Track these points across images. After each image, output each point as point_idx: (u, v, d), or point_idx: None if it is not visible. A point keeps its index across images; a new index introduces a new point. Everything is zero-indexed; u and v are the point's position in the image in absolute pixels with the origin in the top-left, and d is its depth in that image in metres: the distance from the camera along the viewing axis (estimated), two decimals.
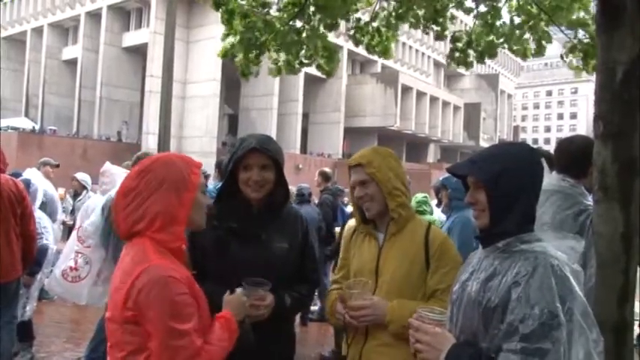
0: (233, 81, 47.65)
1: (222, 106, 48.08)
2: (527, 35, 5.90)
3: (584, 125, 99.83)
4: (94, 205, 5.32)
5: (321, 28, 5.52)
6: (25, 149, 32.90)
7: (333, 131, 54.10)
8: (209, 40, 38.35)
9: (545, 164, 2.47)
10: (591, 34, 5.55)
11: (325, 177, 7.61)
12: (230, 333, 1.84)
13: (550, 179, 2.55)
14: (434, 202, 6.07)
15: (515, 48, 6.03)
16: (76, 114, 47.55)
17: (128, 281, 1.66)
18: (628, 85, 2.22)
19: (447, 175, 5.03)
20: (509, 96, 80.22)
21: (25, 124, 42.73)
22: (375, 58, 45.11)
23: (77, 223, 5.08)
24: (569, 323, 1.45)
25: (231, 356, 1.85)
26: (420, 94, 57.93)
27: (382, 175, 2.32)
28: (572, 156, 2.78)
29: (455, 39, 6.11)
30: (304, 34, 5.55)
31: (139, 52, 46.52)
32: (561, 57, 6.10)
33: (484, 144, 64.23)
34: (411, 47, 62.29)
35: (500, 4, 5.77)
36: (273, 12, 5.58)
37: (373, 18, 5.95)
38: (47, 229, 5.08)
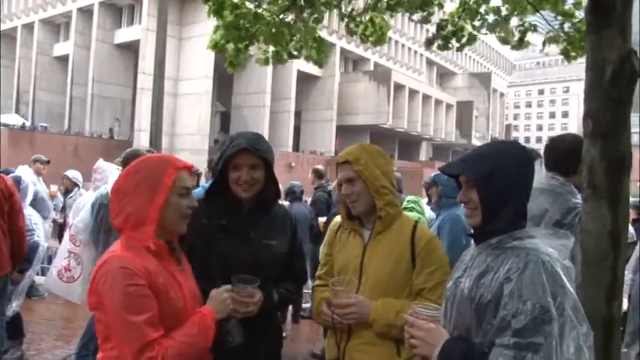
0: (225, 78, 47.58)
1: (215, 104, 47.99)
2: (514, 25, 5.93)
3: (575, 124, 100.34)
4: (84, 202, 5.31)
5: (311, 22, 5.52)
6: (15, 146, 32.75)
7: (326, 129, 54.14)
8: (201, 37, 38.24)
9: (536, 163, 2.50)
10: (576, 26, 5.58)
11: (319, 175, 7.60)
12: (202, 329, 1.81)
13: (539, 177, 2.57)
14: (424, 199, 6.08)
15: (501, 35, 6.05)
16: (68, 111, 47.34)
17: (94, 271, 1.76)
18: (617, 84, 2.24)
19: (438, 172, 5.09)
20: (502, 94, 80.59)
21: (16, 120, 42.47)
22: (367, 56, 45.04)
23: (69, 221, 5.07)
24: (561, 318, 1.46)
25: (218, 353, 1.86)
26: (413, 93, 58.08)
27: (369, 172, 2.30)
28: (562, 154, 2.80)
29: (440, 27, 6.12)
30: (294, 27, 5.55)
31: (131, 48, 46.34)
32: (543, 44, 6.12)
33: (476, 142, 64.52)
34: (403, 45, 62.41)
35: None
36: (264, 5, 5.57)
37: (366, 9, 5.95)
38: (38, 226, 5.05)
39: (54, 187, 10.56)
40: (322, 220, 6.62)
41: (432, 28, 6.38)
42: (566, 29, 5.80)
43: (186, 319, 1.81)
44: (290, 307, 7.07)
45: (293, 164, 44.34)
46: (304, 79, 51.95)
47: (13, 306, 4.85)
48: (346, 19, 5.94)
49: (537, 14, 5.74)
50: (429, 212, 5.89)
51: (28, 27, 52.30)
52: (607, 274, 2.24)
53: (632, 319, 4.16)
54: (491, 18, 5.89)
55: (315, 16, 5.56)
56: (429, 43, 6.50)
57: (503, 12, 5.83)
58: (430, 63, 67.61)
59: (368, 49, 55.70)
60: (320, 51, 5.90)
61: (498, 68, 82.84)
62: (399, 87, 55.60)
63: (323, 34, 6.05)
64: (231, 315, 1.96)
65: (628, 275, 3.97)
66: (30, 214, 4.96)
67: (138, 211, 1.80)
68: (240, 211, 2.33)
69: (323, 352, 5.97)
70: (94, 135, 43.48)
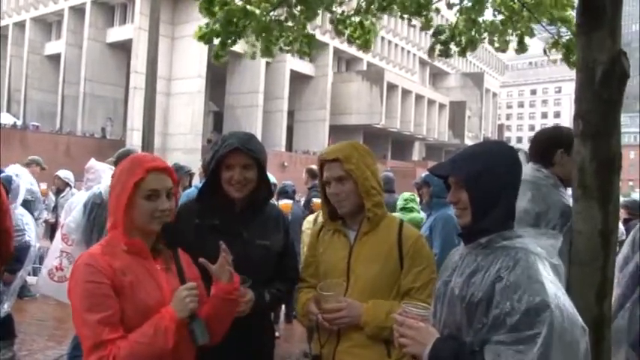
0: (218, 78, 47.46)
1: (208, 103, 47.84)
2: (509, 31, 5.95)
3: (567, 124, 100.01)
4: (77, 201, 5.29)
5: (302, 20, 5.51)
6: (6, 145, 32.44)
7: (319, 129, 54.12)
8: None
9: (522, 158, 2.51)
10: (573, 31, 5.61)
11: (312, 174, 7.59)
12: (159, 329, 1.72)
13: (525, 169, 2.58)
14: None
15: (497, 45, 6.07)
16: (60, 110, 47.05)
17: None
18: (607, 85, 2.26)
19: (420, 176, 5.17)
20: (494, 94, 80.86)
21: (7, 119, 42.15)
22: (360, 55, 44.97)
23: (61, 220, 5.04)
24: (556, 307, 1.47)
25: (210, 353, 1.86)
26: (406, 92, 58.17)
27: (360, 172, 2.26)
28: (540, 144, 2.81)
29: (437, 32, 6.14)
30: (285, 25, 5.55)
31: (124, 48, 46.13)
32: (544, 52, 6.15)
33: (469, 142, 64.67)
34: (396, 45, 62.46)
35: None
36: (254, 2, 5.57)
37: (357, 11, 5.95)
38: (29, 227, 5.03)
39: (43, 186, 10.49)
40: (317, 200, 6.57)
41: (428, 31, 6.36)
42: (562, 34, 5.83)
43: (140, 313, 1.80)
44: (283, 307, 7.07)
45: (286, 164, 44.29)
46: (297, 78, 51.89)
47: (5, 307, 4.83)
48: (335, 21, 5.94)
49: (533, 20, 5.77)
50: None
51: (20, 25, 51.93)
52: (597, 273, 2.25)
53: (618, 317, 4.19)
54: (487, 28, 5.92)
55: (306, 14, 5.55)
56: (431, 51, 6.50)
57: (499, 19, 5.86)
58: (423, 63, 67.68)
59: (361, 48, 55.65)
60: (310, 45, 5.90)
61: (491, 68, 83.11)
62: (392, 87, 55.66)
63: (316, 34, 6.05)
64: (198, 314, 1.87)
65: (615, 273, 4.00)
66: (22, 214, 4.94)
67: (112, 212, 1.86)
68: (233, 211, 2.33)
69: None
70: (86, 134, 43.23)
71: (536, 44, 6.38)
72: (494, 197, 1.65)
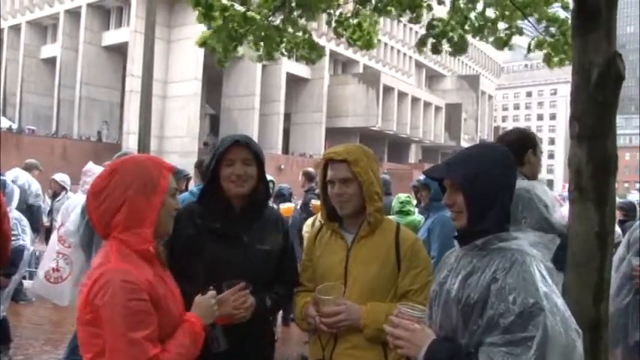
0: (214, 81, 47.45)
1: (204, 106, 47.84)
2: (502, 29, 5.98)
3: (563, 126, 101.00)
4: (74, 204, 5.27)
5: (302, 21, 5.53)
6: (2, 149, 32.36)
7: (315, 131, 54.13)
8: (190, 39, 37.83)
9: None
10: (562, 30, 5.63)
11: (309, 177, 7.58)
12: (193, 337, 1.78)
13: None
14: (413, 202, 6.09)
15: (491, 39, 6.09)
16: (55, 113, 46.94)
17: (89, 283, 1.66)
18: (602, 87, 2.26)
19: (418, 178, 5.18)
20: (490, 97, 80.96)
21: (3, 123, 42.01)
22: (356, 58, 44.99)
23: (58, 223, 5.03)
24: (550, 310, 1.48)
25: (211, 358, 1.85)
26: (402, 95, 58.24)
27: (367, 176, 2.27)
28: (513, 146, 2.88)
29: (430, 26, 6.14)
30: (284, 29, 5.56)
31: (120, 51, 46.06)
32: (528, 49, 6.18)
33: (465, 144, 64.68)
34: (392, 47, 62.57)
35: None
36: (253, 7, 5.57)
37: (354, 13, 5.97)
38: (25, 231, 5.00)
39: None
40: (316, 202, 6.55)
41: (421, 31, 6.38)
42: (552, 32, 5.85)
43: (177, 325, 1.78)
44: (280, 310, 7.05)
45: (282, 166, 44.27)
46: (293, 81, 51.91)
47: (1, 310, 4.81)
48: (334, 23, 5.95)
49: (522, 19, 5.80)
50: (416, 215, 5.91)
51: (15, 29, 51.82)
52: (594, 275, 2.26)
53: (614, 318, 4.20)
54: (478, 23, 5.93)
55: (305, 18, 5.56)
56: (421, 44, 6.50)
57: (491, 16, 5.87)
58: (419, 65, 67.83)
59: (357, 51, 55.74)
60: (313, 49, 5.92)
61: (487, 71, 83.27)
62: (388, 89, 55.71)
63: (312, 36, 6.05)
64: (216, 321, 1.94)
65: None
66: (17, 218, 4.92)
67: (134, 212, 1.74)
68: (232, 213, 2.33)
69: None
70: (82, 138, 43.12)
71: (522, 37, 6.39)
72: (490, 199, 1.65)
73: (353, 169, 2.26)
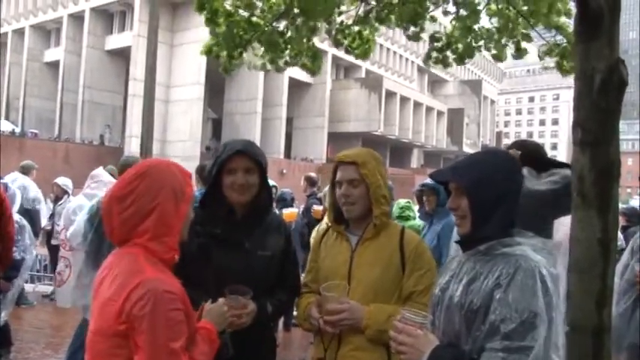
0: (217, 85, 47.50)
1: (206, 110, 47.87)
2: (505, 39, 5.97)
3: (565, 131, 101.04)
4: (75, 207, 5.29)
5: (304, 31, 5.53)
6: (5, 152, 32.41)
7: (317, 136, 54.16)
8: (193, 43, 38.16)
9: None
10: (568, 37, 5.63)
11: (311, 182, 7.59)
12: (211, 345, 1.79)
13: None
14: (415, 207, 6.08)
15: (493, 52, 6.09)
16: (58, 117, 47.04)
17: (123, 293, 1.59)
18: (605, 94, 2.26)
19: (424, 182, 5.13)
20: (492, 102, 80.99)
21: (6, 127, 42.14)
22: (359, 63, 45.09)
23: (60, 226, 5.04)
24: (549, 322, 1.49)
25: None
26: (404, 100, 58.25)
27: (375, 179, 2.30)
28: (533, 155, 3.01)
29: (433, 39, 6.15)
30: (288, 35, 5.57)
31: (123, 55, 46.20)
32: (539, 57, 6.18)
33: (467, 149, 64.75)
34: (395, 52, 62.62)
35: (479, 7, 5.82)
36: (258, 13, 5.58)
37: (355, 21, 5.97)
38: (26, 234, 5.01)
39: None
40: (318, 208, 6.55)
41: (424, 37, 6.37)
42: (558, 41, 5.85)
43: (195, 332, 1.76)
44: (282, 316, 7.04)
45: (284, 171, 44.28)
46: (296, 86, 51.94)
47: (3, 315, 4.81)
48: (334, 31, 5.95)
49: (529, 28, 5.79)
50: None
51: (19, 33, 52.01)
52: (596, 281, 2.24)
53: (618, 323, 4.19)
54: (483, 35, 5.94)
55: (309, 25, 5.57)
56: (427, 58, 6.51)
57: (494, 25, 5.88)
58: (421, 70, 67.82)
59: (359, 58, 55.74)
60: (315, 59, 5.91)
61: (489, 76, 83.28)
62: (390, 94, 55.73)
63: (314, 41, 6.06)
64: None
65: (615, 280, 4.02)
66: (18, 221, 4.92)
67: (163, 219, 1.69)
68: (234, 219, 2.32)
69: None
70: (85, 141, 43.22)
71: (534, 51, 6.39)
72: (495, 205, 1.65)
73: (361, 171, 2.30)
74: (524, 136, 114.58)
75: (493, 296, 1.54)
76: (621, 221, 6.91)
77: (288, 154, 52.96)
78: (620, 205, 6.04)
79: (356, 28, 6.00)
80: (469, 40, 5.89)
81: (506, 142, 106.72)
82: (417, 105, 60.92)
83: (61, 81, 47.29)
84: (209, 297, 2.00)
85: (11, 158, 27.22)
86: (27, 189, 7.27)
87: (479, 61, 77.95)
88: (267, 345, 2.44)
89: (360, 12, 5.88)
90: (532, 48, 6.41)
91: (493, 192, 1.65)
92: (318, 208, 6.52)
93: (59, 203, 8.06)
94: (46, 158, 32.15)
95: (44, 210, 7.70)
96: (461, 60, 6.12)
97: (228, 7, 5.37)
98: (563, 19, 5.65)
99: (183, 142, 42.39)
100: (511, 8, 5.60)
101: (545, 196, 2.83)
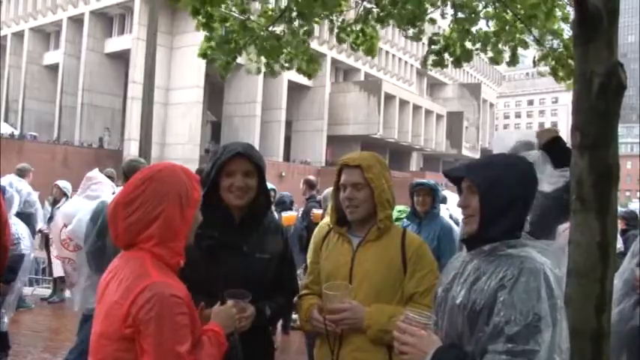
0: (216, 88, 47.54)
1: (205, 113, 47.88)
2: (502, 42, 5.97)
3: (564, 135, 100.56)
4: (73, 208, 5.26)
5: (301, 34, 5.53)
6: (4, 155, 32.35)
7: (317, 139, 54.16)
8: (192, 46, 38.12)
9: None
10: (565, 43, 5.64)
11: (310, 185, 7.59)
12: (219, 348, 1.78)
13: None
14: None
15: (490, 55, 6.09)
16: (57, 120, 47.01)
17: (129, 297, 1.60)
18: (604, 97, 2.26)
19: (422, 180, 5.07)
20: (492, 105, 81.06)
21: (5, 129, 42.09)
22: (358, 66, 45.11)
23: (59, 226, 5.03)
24: (554, 325, 1.48)
25: None
26: (403, 103, 58.28)
27: (379, 183, 2.32)
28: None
29: (431, 41, 6.16)
30: (284, 39, 5.57)
31: (122, 58, 46.22)
32: (533, 63, 6.19)
33: (466, 152, 64.84)
34: (394, 55, 62.68)
35: (478, 10, 5.82)
36: (254, 17, 5.58)
37: (357, 20, 5.98)
38: (24, 237, 5.00)
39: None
40: (317, 211, 6.53)
41: (424, 40, 6.38)
42: (554, 46, 5.86)
43: (199, 334, 1.76)
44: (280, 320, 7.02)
45: (284, 174, 44.27)
46: (295, 89, 51.95)
47: (4, 320, 4.81)
48: (336, 30, 5.96)
49: (526, 32, 5.80)
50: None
51: (18, 35, 52.02)
52: (596, 286, 2.24)
53: (618, 327, 4.17)
54: (480, 38, 5.94)
55: (306, 28, 5.58)
56: (425, 61, 6.51)
57: (492, 29, 5.88)
58: (420, 74, 67.89)
59: (359, 59, 55.88)
60: (310, 63, 5.91)
61: (488, 79, 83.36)
62: (389, 97, 55.76)
63: (314, 44, 6.08)
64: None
65: (616, 284, 4.01)
66: (16, 224, 4.92)
67: (169, 224, 1.69)
68: (231, 222, 2.31)
69: None
70: (84, 144, 43.17)
71: (529, 52, 6.42)
72: (505, 207, 1.65)
73: (366, 174, 2.31)
74: None
75: (497, 297, 1.53)
76: (620, 225, 6.90)
77: (287, 157, 52.97)
78: (619, 209, 6.03)
79: (358, 27, 6.00)
80: (467, 42, 5.90)
81: None
82: (416, 108, 60.94)
83: (60, 84, 47.27)
84: (208, 300, 1.98)
85: (10, 161, 27.23)
86: (20, 192, 7.25)
87: (478, 65, 78.03)
88: (265, 348, 2.43)
89: (361, 12, 5.89)
90: (531, 51, 6.42)
91: (505, 194, 1.65)
92: (317, 212, 6.50)
93: (57, 206, 8.04)
94: (45, 161, 32.14)
95: (41, 213, 7.67)
96: (458, 63, 6.12)
97: (224, 11, 5.37)
98: (559, 24, 5.66)
99: (182, 145, 42.38)
100: (508, 11, 5.60)
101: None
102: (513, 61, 6.20)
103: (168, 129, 43.27)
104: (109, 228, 1.77)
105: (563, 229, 2.92)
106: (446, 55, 6.12)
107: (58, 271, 6.74)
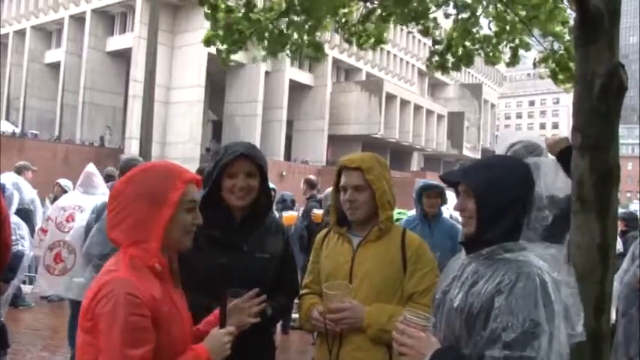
0: (217, 87, 47.57)
1: (206, 112, 47.93)
2: (504, 43, 5.96)
3: (565, 135, 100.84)
4: (70, 203, 5.28)
5: (305, 31, 5.53)
6: (5, 153, 32.41)
7: (318, 139, 54.18)
8: (194, 45, 38.25)
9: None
10: (566, 46, 5.63)
11: (311, 185, 7.59)
12: None
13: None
14: (413, 211, 6.03)
15: (490, 55, 6.08)
16: (59, 118, 47.07)
17: (94, 289, 1.58)
18: (605, 98, 2.25)
19: (431, 182, 5.04)
20: (493, 105, 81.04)
21: (6, 127, 42.13)
22: (359, 65, 45.08)
23: (53, 217, 5.07)
24: (550, 331, 1.48)
25: None
26: (404, 103, 58.28)
27: (380, 185, 2.32)
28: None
29: (435, 42, 6.15)
30: (289, 31, 5.57)
31: (123, 56, 46.25)
32: (534, 65, 6.17)
33: (467, 153, 64.83)
34: (395, 56, 62.67)
35: (478, 12, 5.81)
36: (258, 10, 5.59)
37: (360, 21, 5.97)
38: (23, 235, 4.99)
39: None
40: (318, 212, 6.52)
41: (426, 41, 6.39)
42: (555, 49, 5.84)
43: (184, 347, 1.70)
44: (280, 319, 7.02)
45: (284, 173, 44.30)
46: (296, 88, 51.99)
47: (1, 318, 4.80)
48: (341, 32, 5.95)
49: (527, 33, 5.79)
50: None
51: (20, 34, 52.09)
52: (595, 287, 2.23)
53: (619, 330, 4.17)
54: (481, 39, 5.93)
55: (310, 24, 5.56)
56: (430, 62, 6.49)
57: (493, 30, 5.87)
58: (422, 74, 67.83)
59: (360, 59, 55.89)
60: (318, 50, 5.91)
61: (489, 79, 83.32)
62: (390, 97, 55.76)
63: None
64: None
65: (615, 286, 4.00)
66: (16, 223, 4.91)
67: (139, 224, 1.65)
68: (232, 222, 2.31)
69: None
70: (85, 143, 43.20)
71: (534, 56, 6.40)
72: (502, 210, 1.65)
73: (366, 176, 2.31)
74: None
75: (494, 302, 1.53)
76: (620, 226, 6.90)
77: (288, 156, 52.99)
78: (620, 210, 6.03)
79: (361, 27, 6.00)
80: (467, 43, 5.88)
81: None
82: (418, 108, 60.94)
83: (61, 82, 47.33)
84: (209, 300, 1.97)
85: (12, 159, 27.25)
86: (20, 189, 7.25)
87: (479, 65, 77.91)
88: (266, 348, 2.43)
89: (363, 11, 5.88)
90: (531, 53, 6.41)
91: (502, 197, 1.65)
92: (318, 212, 6.50)
93: None
94: (46, 159, 32.16)
95: (40, 211, 7.65)
96: (459, 65, 6.10)
97: (230, 3, 5.38)
98: (560, 27, 5.64)
99: (183, 144, 42.42)
100: (509, 11, 5.59)
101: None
102: (514, 61, 6.18)
103: (169, 128, 43.31)
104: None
105: None
106: (448, 57, 6.11)
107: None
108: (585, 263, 2.25)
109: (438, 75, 63.82)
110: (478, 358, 1.53)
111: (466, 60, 5.99)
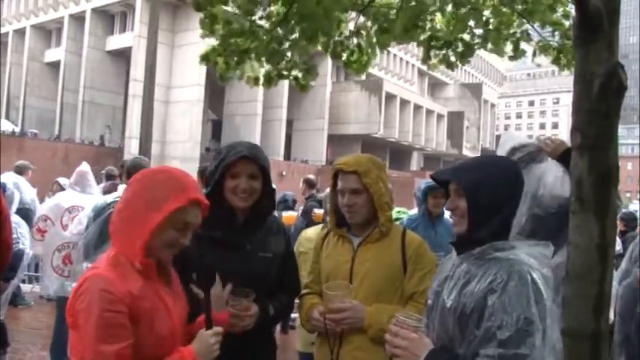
0: (217, 86, 47.47)
1: (206, 112, 47.90)
2: (503, 38, 5.93)
3: (565, 135, 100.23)
4: (73, 203, 5.29)
5: (303, 39, 5.49)
6: (4, 152, 32.41)
7: (317, 138, 54.18)
8: (194, 44, 38.19)
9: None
10: (566, 34, 5.60)
11: (310, 184, 7.58)
12: None
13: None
14: (413, 210, 6.02)
15: (491, 47, 6.04)
16: (58, 117, 47.06)
17: (76, 286, 1.62)
18: (604, 98, 2.25)
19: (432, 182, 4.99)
20: (492, 105, 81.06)
21: (6, 126, 42.10)
22: None
23: (51, 216, 5.08)
24: (543, 329, 1.49)
25: None
26: (404, 102, 58.29)
27: (377, 187, 2.32)
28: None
29: (432, 37, 6.10)
30: (286, 44, 5.53)
31: (123, 55, 46.24)
32: (533, 54, 6.14)
33: (467, 153, 64.83)
34: (395, 55, 62.69)
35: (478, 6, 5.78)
36: (257, 18, 5.55)
37: (354, 33, 5.92)
38: (24, 235, 5.00)
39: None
40: (319, 211, 6.51)
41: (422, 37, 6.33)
42: (556, 38, 5.82)
43: (172, 346, 1.69)
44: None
45: (284, 173, 44.30)
46: (296, 87, 51.96)
47: (1, 317, 4.80)
48: (332, 44, 5.86)
49: (527, 24, 5.76)
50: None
51: (20, 32, 52.06)
52: (594, 287, 2.23)
53: (619, 330, 4.17)
54: (479, 31, 5.89)
55: (308, 32, 5.52)
56: (426, 57, 6.43)
57: (492, 23, 5.84)
58: (422, 73, 67.88)
59: (357, 74, 55.83)
60: (308, 73, 5.87)
61: (489, 79, 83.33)
62: (390, 97, 55.76)
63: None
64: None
65: (614, 285, 4.00)
66: (17, 222, 4.91)
67: (132, 221, 1.67)
68: (234, 222, 2.30)
69: None
70: (85, 142, 43.19)
71: (531, 47, 6.37)
72: (493, 209, 1.65)
73: (363, 180, 2.32)
74: None
75: (486, 301, 1.54)
76: (619, 226, 6.90)
77: (287, 155, 52.99)
78: (621, 210, 6.03)
79: (355, 41, 5.94)
80: (465, 35, 5.85)
81: None
82: (417, 108, 60.95)
83: (61, 81, 47.31)
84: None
85: (11, 158, 27.24)
86: (21, 189, 7.25)
87: (479, 65, 78.02)
88: (268, 347, 2.43)
89: (359, 23, 5.84)
90: (530, 52, 6.38)
91: (492, 196, 1.66)
92: (319, 212, 6.49)
93: None
94: (46, 158, 32.16)
95: (39, 210, 7.66)
96: (462, 58, 6.06)
97: (229, 10, 5.34)
98: (559, 15, 5.61)
99: (182, 143, 42.41)
100: (507, 8, 5.57)
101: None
102: (517, 55, 6.14)
103: (168, 127, 43.28)
104: None
105: None
106: (449, 52, 6.07)
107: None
108: (584, 263, 2.25)
109: (438, 75, 63.60)
110: (472, 357, 1.54)
111: (468, 52, 5.95)
